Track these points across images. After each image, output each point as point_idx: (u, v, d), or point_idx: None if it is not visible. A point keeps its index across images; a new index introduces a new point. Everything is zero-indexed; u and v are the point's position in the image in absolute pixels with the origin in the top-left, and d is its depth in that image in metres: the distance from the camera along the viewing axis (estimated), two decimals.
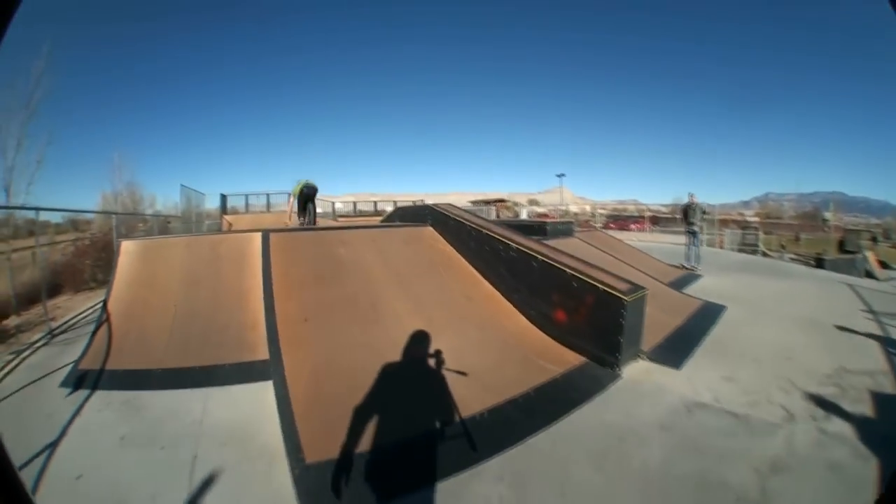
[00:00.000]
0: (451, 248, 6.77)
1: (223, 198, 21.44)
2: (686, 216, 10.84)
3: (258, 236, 5.55)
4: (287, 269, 5.05)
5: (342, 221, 20.77)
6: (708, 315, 6.12)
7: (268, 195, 22.84)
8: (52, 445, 3.37)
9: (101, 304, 5.75)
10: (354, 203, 31.22)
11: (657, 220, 25.72)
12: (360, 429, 3.09)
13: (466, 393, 3.62)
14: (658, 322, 5.22)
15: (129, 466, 3.07)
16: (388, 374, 3.75)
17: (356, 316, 4.65)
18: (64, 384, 4.53)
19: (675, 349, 4.85)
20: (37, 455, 3.21)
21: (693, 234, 10.62)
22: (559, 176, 39.27)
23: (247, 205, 22.72)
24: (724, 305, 6.60)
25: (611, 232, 14.94)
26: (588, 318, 4.58)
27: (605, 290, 4.39)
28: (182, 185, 16.54)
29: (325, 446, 2.89)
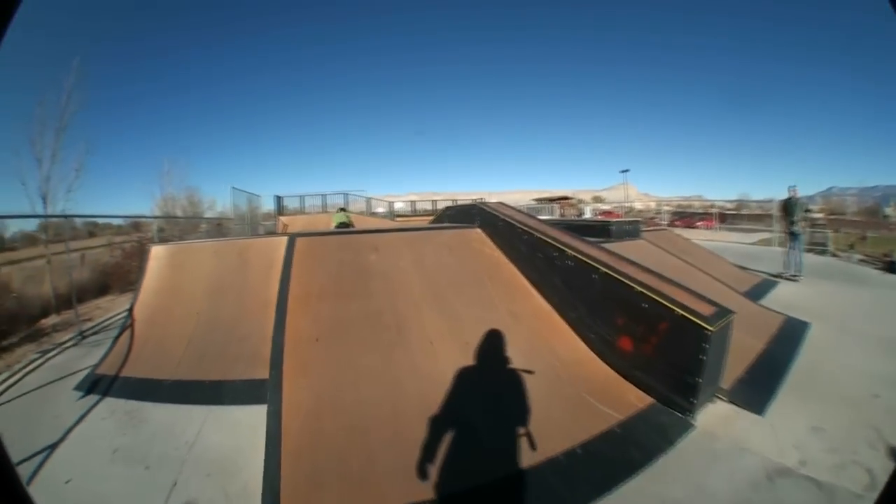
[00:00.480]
0: (499, 253, 6.00)
1: (278, 199, 22.32)
2: (786, 213, 9.45)
3: (284, 239, 5.32)
4: (309, 277, 4.71)
5: (399, 222, 21.41)
6: (792, 336, 5.20)
7: (323, 196, 23.72)
8: (52, 447, 3.53)
9: (128, 309, 5.80)
10: (413, 202, 31.66)
11: (724, 217, 24.70)
12: (351, 485, 2.58)
13: (496, 448, 2.97)
14: (739, 346, 4.24)
15: (113, 480, 3.08)
16: (402, 416, 3.18)
17: (377, 337, 4.11)
18: (78, 387, 4.68)
19: (759, 385, 3.97)
20: (36, 454, 3.40)
21: (794, 235, 9.18)
22: (623, 172, 38.40)
23: (303, 206, 23.50)
24: (808, 322, 5.71)
25: (677, 230, 14.02)
26: (659, 348, 3.72)
27: (682, 316, 3.51)
28: (233, 188, 17.03)
29: (308, 501, 2.47)
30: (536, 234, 5.38)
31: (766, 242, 15.39)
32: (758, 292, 7.51)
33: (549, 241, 5.12)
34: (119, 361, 4.93)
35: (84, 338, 6.39)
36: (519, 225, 5.77)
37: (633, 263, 4.54)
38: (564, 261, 4.82)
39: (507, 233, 5.99)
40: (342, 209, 14.73)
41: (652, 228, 11.02)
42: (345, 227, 10.01)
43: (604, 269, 4.33)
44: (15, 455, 3.00)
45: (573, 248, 4.81)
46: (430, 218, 22.96)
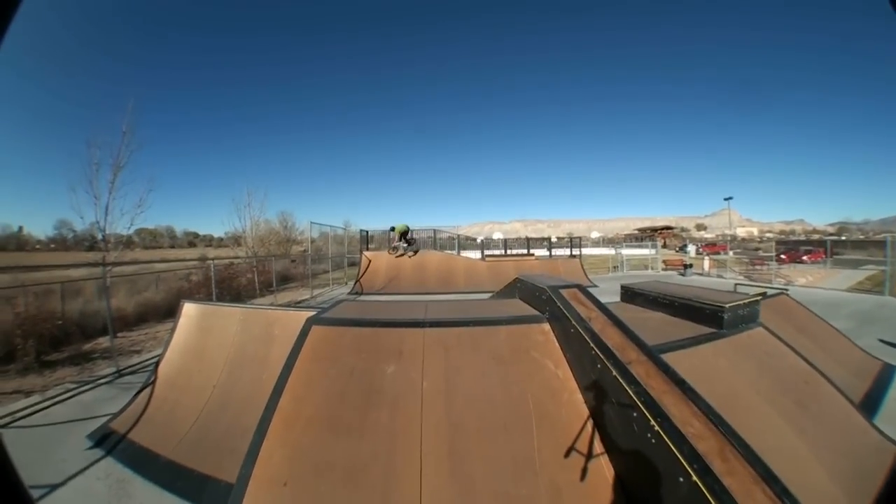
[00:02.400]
0: (566, 371, 4.57)
1: (364, 234, 23.69)
2: None
3: (301, 321, 5.08)
4: (307, 388, 4.40)
5: (489, 261, 22.03)
6: None
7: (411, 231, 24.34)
8: (52, 488, 4.39)
9: (154, 363, 6.28)
10: (505, 241, 32.63)
11: (832, 249, 25.48)
12: None
13: None
14: None
15: None
16: None
17: (355, 501, 3.63)
18: (90, 436, 5.31)
19: None
20: (38, 487, 4.26)
21: None
22: (727, 199, 44.69)
23: (389, 240, 24.29)
24: None
25: (785, 268, 14.39)
26: None
27: None
28: (311, 222, 19.64)
29: None
30: (613, 369, 3.90)
31: (876, 285, 14.81)
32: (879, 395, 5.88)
33: (630, 391, 3.66)
34: (131, 420, 5.38)
35: (120, 375, 7.17)
36: (590, 341, 4.26)
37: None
38: (646, 431, 3.40)
39: (578, 346, 4.48)
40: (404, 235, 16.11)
41: (766, 291, 9.21)
42: (406, 239, 11.38)
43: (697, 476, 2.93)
44: (27, 479, 2.87)
45: (661, 417, 3.33)
46: (529, 260, 23.69)
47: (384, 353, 4.65)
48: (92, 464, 4.86)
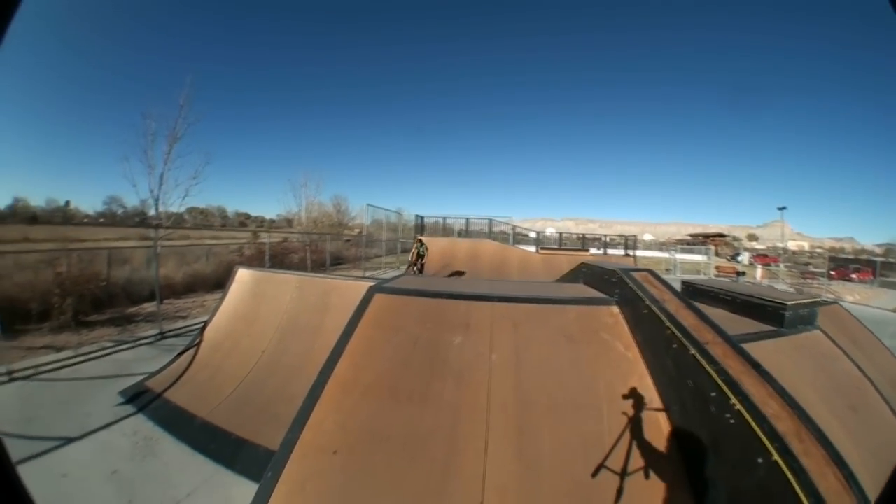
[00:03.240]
0: (636, 354, 4.24)
1: (419, 219, 23.58)
2: None
3: (363, 290, 4.85)
4: (368, 355, 4.10)
5: (543, 254, 21.37)
6: None
7: (467, 219, 24.59)
8: (67, 441, 4.17)
9: (201, 326, 6.15)
10: (560, 234, 31.45)
11: (880, 270, 26.00)
12: None
13: None
14: None
15: (94, 501, 3.48)
16: None
17: (410, 474, 3.30)
18: (122, 393, 5.14)
19: None
20: (50, 438, 4.13)
21: None
22: (780, 209, 40.56)
23: (444, 227, 24.76)
24: None
25: (834, 284, 14.51)
26: None
27: None
28: (368, 205, 19.12)
29: None
30: (691, 348, 3.60)
31: None
32: None
33: (711, 370, 3.34)
34: (169, 380, 5.20)
35: (163, 338, 7.00)
36: (666, 321, 4.01)
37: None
38: (724, 412, 3.05)
39: (650, 326, 4.21)
40: (419, 239, 14.83)
41: (820, 298, 9.54)
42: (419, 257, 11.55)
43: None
44: (33, 431, 4.36)
45: (742, 397, 3.02)
46: (583, 254, 22.45)
47: (450, 324, 4.40)
48: (119, 419, 4.65)
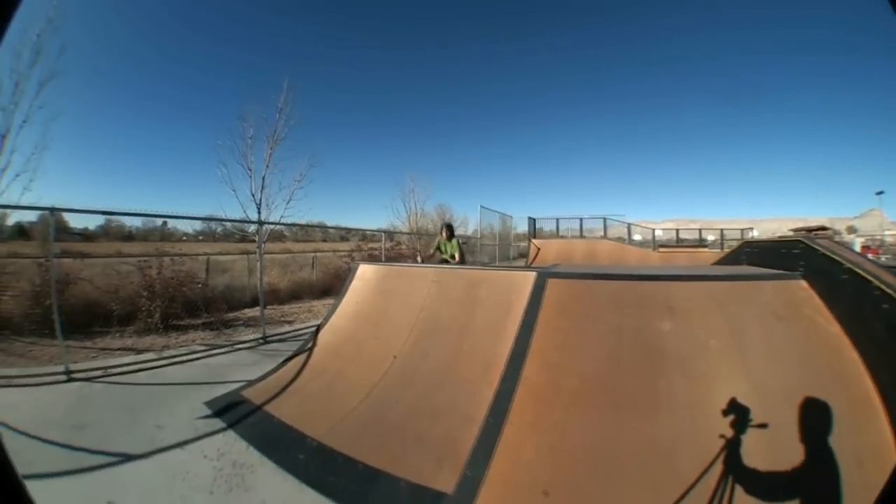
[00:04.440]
0: (836, 328, 3.68)
1: (532, 221, 22.32)
2: None
3: (530, 278, 4.07)
4: (561, 352, 3.39)
5: (662, 252, 19.85)
6: None
7: (581, 219, 23.14)
8: (125, 458, 3.18)
9: (314, 329, 5.35)
10: (676, 230, 29.38)
11: None
12: None
13: None
14: None
15: None
16: None
17: None
18: (210, 404, 4.14)
19: None
20: (102, 454, 3.19)
21: None
22: (878, 194, 37.13)
23: (557, 229, 23.54)
24: None
25: None
26: None
27: None
28: (482, 207, 17.72)
29: None
30: None
31: None
32: None
33: None
34: (273, 390, 4.26)
35: (265, 342, 6.20)
36: (877, 283, 3.50)
37: None
38: None
39: (852, 294, 3.73)
40: (448, 227, 8.24)
41: None
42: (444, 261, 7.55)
43: None
44: (82, 441, 3.34)
45: None
46: (702, 251, 21.16)
47: (651, 308, 3.72)
48: (201, 436, 3.57)
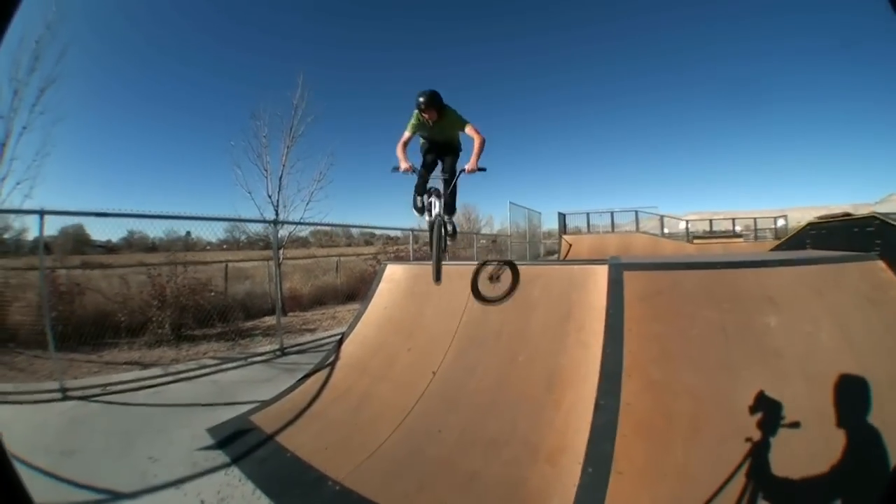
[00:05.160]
0: None
1: (562, 216, 21.57)
2: None
3: (601, 272, 3.50)
4: (666, 357, 2.82)
5: (697, 244, 19.34)
6: None
7: (612, 213, 22.17)
8: (111, 497, 2.71)
9: (336, 340, 4.80)
10: (710, 221, 28.49)
11: None
12: None
13: None
14: None
15: None
16: None
17: None
18: (212, 431, 3.52)
19: None
20: (85, 489, 2.74)
21: None
22: None
23: (588, 224, 22.49)
24: None
25: None
26: None
27: None
28: (511, 203, 16.90)
29: None
30: None
31: None
32: None
33: None
34: (288, 416, 3.64)
35: (283, 354, 5.72)
36: None
37: None
38: None
39: None
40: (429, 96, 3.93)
41: None
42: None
43: None
44: (74, 472, 2.89)
45: None
46: (737, 241, 21.01)
47: (749, 300, 3.20)
48: (199, 474, 2.99)
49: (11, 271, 7.44)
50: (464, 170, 3.69)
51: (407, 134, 4.05)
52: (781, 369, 2.76)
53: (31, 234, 9.25)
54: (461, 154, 4.22)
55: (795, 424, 2.30)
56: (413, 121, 4.01)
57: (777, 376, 2.70)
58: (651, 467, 2.23)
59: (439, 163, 4.16)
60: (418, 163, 3.95)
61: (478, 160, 3.67)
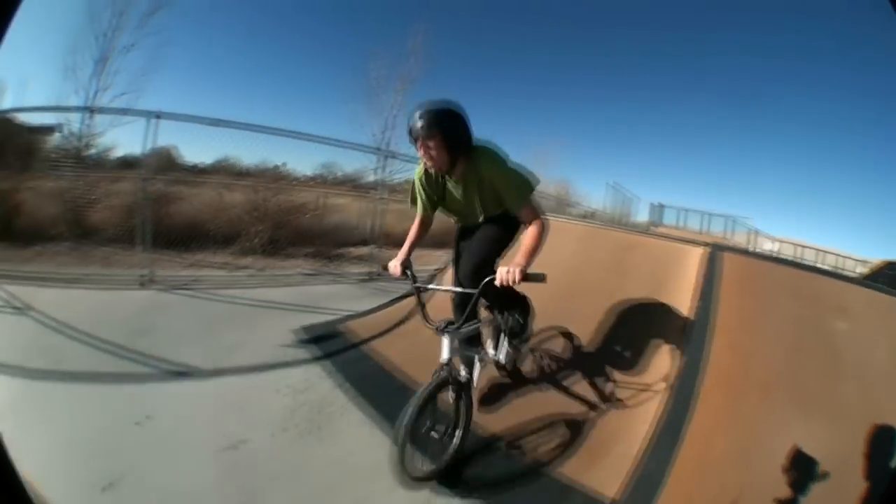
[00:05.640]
0: None
1: (657, 208, 20.34)
2: None
3: (697, 253, 3.75)
4: (747, 327, 3.08)
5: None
6: None
7: (709, 215, 20.80)
8: (186, 374, 2.78)
9: (433, 270, 4.88)
10: (802, 247, 26.34)
11: None
12: None
13: None
14: None
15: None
16: None
17: None
18: (302, 330, 3.70)
19: None
20: (165, 364, 2.81)
21: None
22: None
23: (685, 221, 21.16)
24: None
25: None
26: None
27: None
28: (608, 184, 16.48)
29: None
30: None
31: None
32: None
33: None
34: (379, 328, 3.86)
35: (377, 277, 5.85)
36: None
37: None
38: None
39: None
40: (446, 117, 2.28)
41: None
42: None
43: None
44: (145, 348, 2.95)
45: None
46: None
47: (825, 303, 3.43)
48: (284, 364, 3.13)
49: (101, 180, 7.53)
50: (493, 280, 2.04)
51: (415, 213, 2.73)
52: (840, 367, 2.99)
53: (119, 152, 9.78)
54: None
55: (837, 416, 2.58)
56: (417, 174, 2.58)
57: (836, 372, 2.95)
58: (726, 414, 2.50)
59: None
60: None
61: (529, 263, 2.11)
